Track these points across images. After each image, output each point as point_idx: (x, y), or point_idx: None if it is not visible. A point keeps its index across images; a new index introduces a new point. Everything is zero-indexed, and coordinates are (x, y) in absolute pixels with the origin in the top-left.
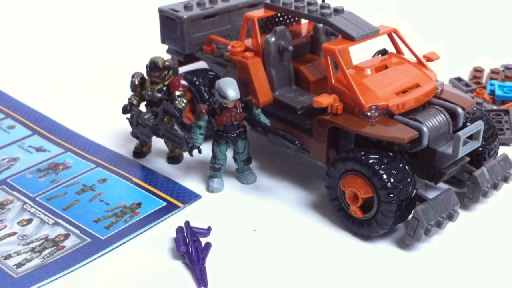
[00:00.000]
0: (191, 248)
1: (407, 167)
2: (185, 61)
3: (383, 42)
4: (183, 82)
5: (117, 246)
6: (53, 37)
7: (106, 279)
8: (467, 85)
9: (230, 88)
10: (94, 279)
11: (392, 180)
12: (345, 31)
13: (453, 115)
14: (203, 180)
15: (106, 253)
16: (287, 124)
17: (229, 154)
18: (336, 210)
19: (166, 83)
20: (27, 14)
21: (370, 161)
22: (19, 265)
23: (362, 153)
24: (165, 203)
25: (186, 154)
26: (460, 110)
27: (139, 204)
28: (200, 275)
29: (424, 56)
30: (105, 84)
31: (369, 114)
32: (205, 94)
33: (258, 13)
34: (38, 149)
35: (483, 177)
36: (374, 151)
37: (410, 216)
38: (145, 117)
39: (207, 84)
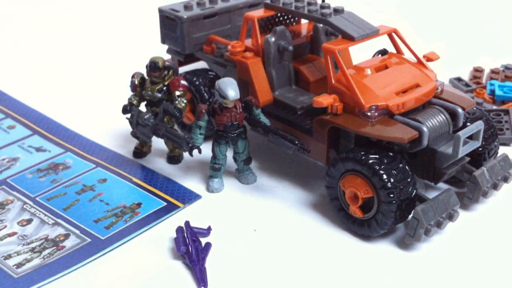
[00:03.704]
0: (191, 248)
1: (407, 167)
2: (185, 61)
3: (383, 42)
4: (183, 82)
5: (117, 246)
6: (53, 37)
7: (106, 279)
8: (467, 85)
9: (230, 88)
10: (94, 279)
11: (392, 180)
12: (345, 31)
13: (453, 115)
14: (203, 180)
15: (106, 253)
16: (287, 124)
17: (229, 154)
18: (336, 210)
19: (166, 83)
20: (27, 14)
21: (370, 161)
22: (19, 265)
23: (362, 153)
24: (165, 203)
25: (186, 154)
26: (460, 110)
27: (139, 204)
28: (200, 275)
29: (424, 56)
30: (105, 84)
31: (369, 114)
32: (205, 94)
33: (258, 13)
34: (38, 149)
35: (483, 177)
36: (374, 151)
37: (410, 216)
38: (145, 117)
39: (207, 84)
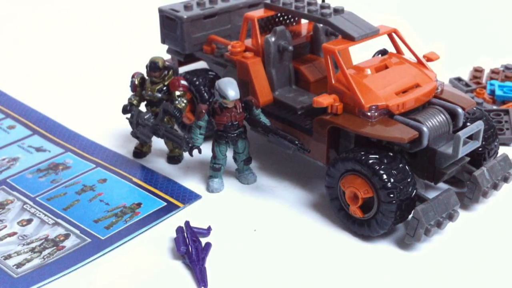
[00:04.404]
0: (191, 248)
1: (407, 167)
2: (185, 61)
3: (383, 42)
4: (183, 82)
5: (117, 246)
6: (53, 37)
7: (106, 279)
8: (467, 85)
9: (230, 88)
10: (94, 279)
11: (392, 180)
12: (345, 31)
13: (453, 115)
14: (203, 180)
15: (106, 253)
16: (287, 124)
17: (229, 154)
18: (336, 210)
19: (166, 83)
20: (27, 14)
21: (370, 161)
22: (19, 265)
23: (362, 153)
24: (165, 203)
25: (186, 154)
26: (460, 110)
27: (139, 204)
28: (200, 275)
29: (424, 56)
30: (105, 84)
31: (369, 114)
32: (205, 94)
33: (258, 13)
34: (38, 149)
35: (483, 177)
36: (374, 151)
37: (410, 216)
38: (145, 117)
39: (207, 84)
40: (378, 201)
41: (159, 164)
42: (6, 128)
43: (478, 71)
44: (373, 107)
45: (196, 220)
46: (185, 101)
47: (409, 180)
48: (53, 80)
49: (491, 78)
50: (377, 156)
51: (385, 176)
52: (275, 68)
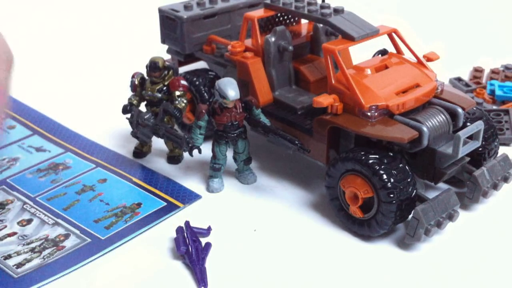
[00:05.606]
0: (191, 248)
1: (407, 167)
2: (185, 61)
3: (383, 42)
4: (183, 82)
5: (117, 246)
6: (53, 37)
7: (106, 279)
8: (467, 85)
9: (230, 88)
10: (94, 279)
11: (392, 180)
12: (345, 31)
13: (453, 115)
14: (203, 180)
15: (106, 253)
16: (287, 124)
17: (229, 154)
18: (336, 210)
19: (166, 83)
20: (27, 15)
21: (370, 161)
22: (19, 265)
23: (362, 153)
24: (165, 203)
25: (186, 154)
26: (460, 110)
27: (139, 204)
28: (200, 275)
29: (424, 56)
30: (105, 84)
31: (369, 114)
32: (205, 94)
33: (258, 13)
34: (38, 149)
35: (483, 177)
36: (374, 151)
37: (410, 216)
38: (145, 117)
39: (207, 84)
40: (378, 201)
41: (159, 164)
42: (6, 128)
43: (478, 71)
44: (373, 107)
45: (196, 220)
46: (185, 101)
47: (409, 180)
48: (53, 80)
49: (491, 78)
50: (377, 156)
51: (385, 176)
52: (275, 68)
